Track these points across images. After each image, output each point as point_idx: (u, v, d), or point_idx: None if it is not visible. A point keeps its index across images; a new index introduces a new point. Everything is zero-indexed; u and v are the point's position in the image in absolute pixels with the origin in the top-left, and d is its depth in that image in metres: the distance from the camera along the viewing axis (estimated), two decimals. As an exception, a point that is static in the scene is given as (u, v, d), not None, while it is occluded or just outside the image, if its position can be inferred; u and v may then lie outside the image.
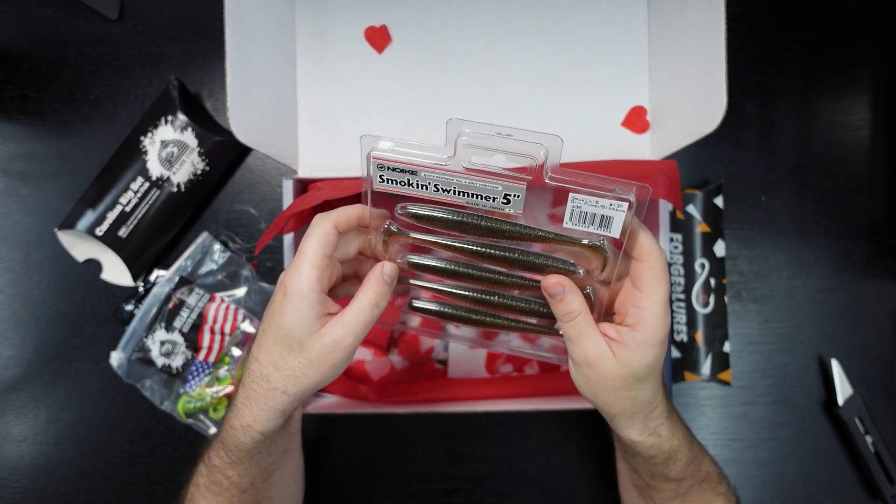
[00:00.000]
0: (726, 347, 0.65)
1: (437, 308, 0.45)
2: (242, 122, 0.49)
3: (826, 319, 0.67)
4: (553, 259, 0.41)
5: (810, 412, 0.67)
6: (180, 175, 0.63)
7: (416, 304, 0.45)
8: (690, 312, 0.65)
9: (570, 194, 0.37)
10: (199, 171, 0.64)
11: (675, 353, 0.65)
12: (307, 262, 0.38)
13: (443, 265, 0.42)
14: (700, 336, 0.65)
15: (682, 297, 0.65)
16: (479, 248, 0.41)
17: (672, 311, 0.65)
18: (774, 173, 0.68)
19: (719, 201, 0.66)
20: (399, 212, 0.40)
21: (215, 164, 0.65)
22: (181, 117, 0.62)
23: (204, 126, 0.63)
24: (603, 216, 0.37)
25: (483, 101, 0.61)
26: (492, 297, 0.44)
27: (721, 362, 0.65)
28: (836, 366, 0.65)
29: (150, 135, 0.63)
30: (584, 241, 0.39)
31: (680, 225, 0.66)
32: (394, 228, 0.41)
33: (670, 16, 0.56)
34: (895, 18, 0.68)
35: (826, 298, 0.68)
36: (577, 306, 0.39)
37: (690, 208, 0.65)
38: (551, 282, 0.39)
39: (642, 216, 0.38)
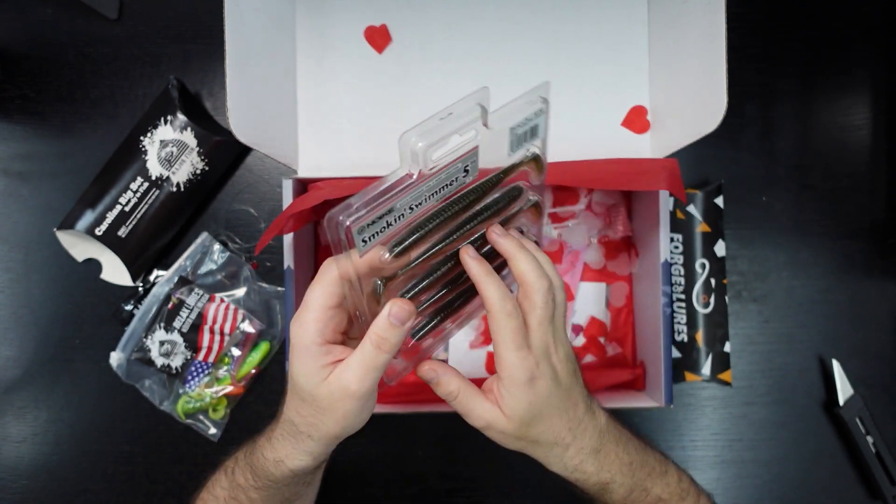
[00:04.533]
0: (727, 347, 0.65)
1: (431, 320, 0.43)
2: (242, 122, 0.49)
3: (826, 319, 0.67)
4: (504, 195, 0.41)
5: (811, 412, 0.67)
6: (180, 175, 0.63)
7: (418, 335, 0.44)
8: (691, 312, 0.65)
9: (509, 128, 0.37)
10: (198, 171, 0.64)
11: (676, 354, 0.65)
12: (310, 313, 0.39)
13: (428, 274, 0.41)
14: (700, 336, 0.65)
15: (682, 297, 0.65)
16: (447, 221, 0.40)
17: (672, 312, 0.65)
18: (774, 173, 0.68)
19: (719, 201, 0.66)
20: (383, 258, 0.38)
21: (215, 163, 0.65)
22: (181, 117, 0.62)
23: (204, 126, 0.63)
24: (531, 128, 0.39)
25: (483, 101, 0.61)
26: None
27: (721, 362, 0.65)
28: (836, 366, 0.65)
29: (149, 135, 0.63)
30: (528, 155, 0.41)
31: (680, 225, 0.66)
32: (382, 281, 0.39)
33: (670, 16, 0.56)
34: (895, 18, 0.68)
35: (826, 298, 0.67)
36: (455, 386, 0.40)
37: (691, 208, 0.65)
38: (424, 369, 0.41)
39: (548, 124, 0.39)
